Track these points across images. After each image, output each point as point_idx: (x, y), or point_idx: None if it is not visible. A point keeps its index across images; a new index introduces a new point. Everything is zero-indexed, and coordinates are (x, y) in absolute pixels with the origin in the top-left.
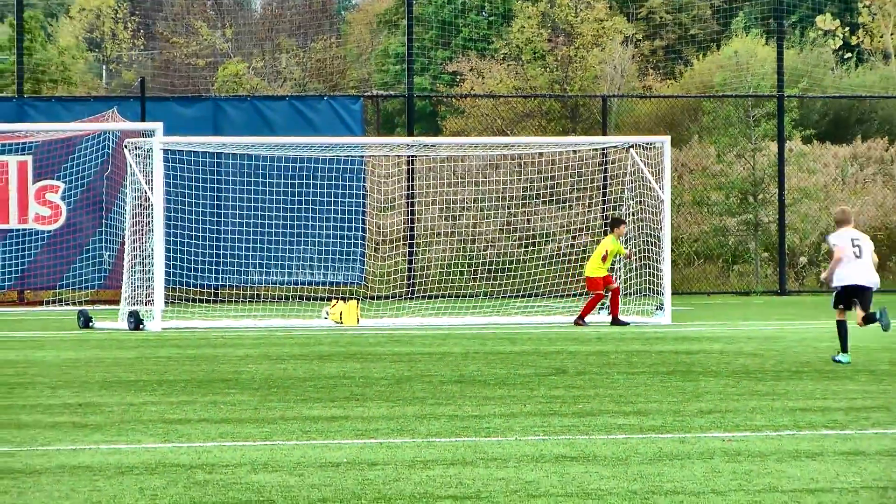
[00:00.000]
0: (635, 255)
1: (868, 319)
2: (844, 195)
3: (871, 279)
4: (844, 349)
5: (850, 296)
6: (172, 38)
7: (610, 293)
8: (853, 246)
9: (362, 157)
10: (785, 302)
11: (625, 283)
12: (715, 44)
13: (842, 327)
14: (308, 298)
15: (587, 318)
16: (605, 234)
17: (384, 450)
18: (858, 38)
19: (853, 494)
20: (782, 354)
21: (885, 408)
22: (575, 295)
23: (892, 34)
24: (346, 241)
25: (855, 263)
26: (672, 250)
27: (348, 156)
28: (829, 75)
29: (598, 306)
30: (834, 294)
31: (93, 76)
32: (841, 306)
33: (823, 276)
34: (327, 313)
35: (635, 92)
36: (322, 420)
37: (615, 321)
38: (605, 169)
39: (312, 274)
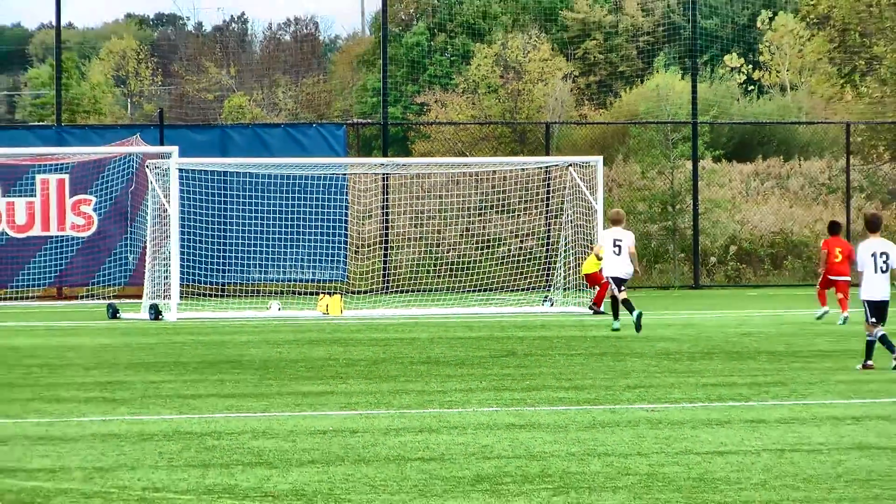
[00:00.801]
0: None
1: (627, 304)
2: (748, 205)
3: (626, 271)
4: (616, 316)
5: (617, 283)
6: (186, 75)
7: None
8: (614, 245)
9: (345, 174)
10: (698, 294)
11: (564, 279)
12: (640, 79)
13: (613, 301)
14: (300, 293)
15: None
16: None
17: (363, 420)
18: (760, 73)
19: (755, 456)
20: (696, 339)
21: (781, 383)
22: (523, 289)
23: (787, 70)
24: (331, 244)
25: (614, 259)
26: None
27: (333, 174)
28: (735, 105)
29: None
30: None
31: (119, 107)
32: (613, 287)
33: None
34: (279, 307)
35: (573, 119)
36: (311, 395)
37: (596, 311)
38: (548, 184)
39: (303, 272)
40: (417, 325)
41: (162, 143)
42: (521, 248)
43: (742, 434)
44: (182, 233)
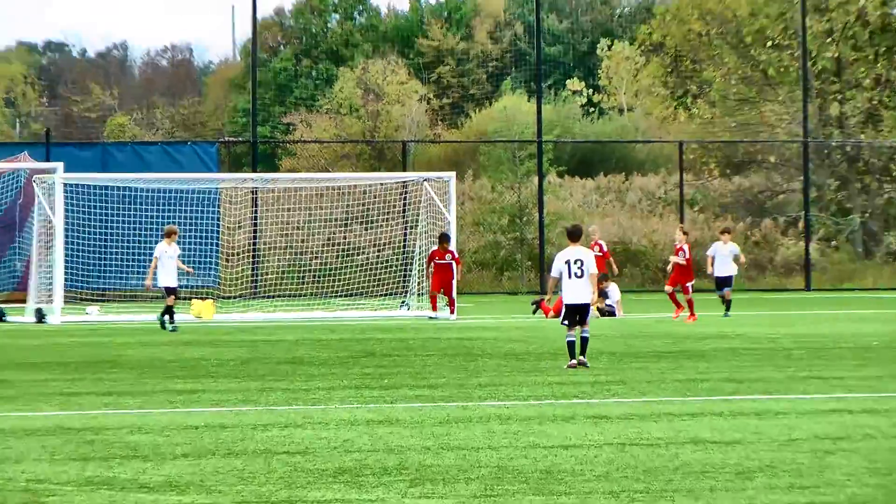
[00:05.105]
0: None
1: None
2: (590, 217)
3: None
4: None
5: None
6: (71, 97)
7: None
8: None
9: (217, 188)
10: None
11: (419, 285)
12: (489, 101)
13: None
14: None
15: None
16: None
17: (233, 416)
18: (599, 96)
19: (598, 449)
20: (542, 341)
21: (622, 382)
22: (382, 295)
23: (624, 93)
24: (204, 253)
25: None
26: None
27: (206, 188)
28: (577, 125)
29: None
30: None
31: (8, 127)
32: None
33: None
34: (98, 310)
35: (428, 138)
36: (184, 392)
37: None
38: (405, 198)
39: (178, 278)
40: (283, 327)
41: (48, 160)
42: (379, 256)
43: (586, 429)
44: (66, 242)
